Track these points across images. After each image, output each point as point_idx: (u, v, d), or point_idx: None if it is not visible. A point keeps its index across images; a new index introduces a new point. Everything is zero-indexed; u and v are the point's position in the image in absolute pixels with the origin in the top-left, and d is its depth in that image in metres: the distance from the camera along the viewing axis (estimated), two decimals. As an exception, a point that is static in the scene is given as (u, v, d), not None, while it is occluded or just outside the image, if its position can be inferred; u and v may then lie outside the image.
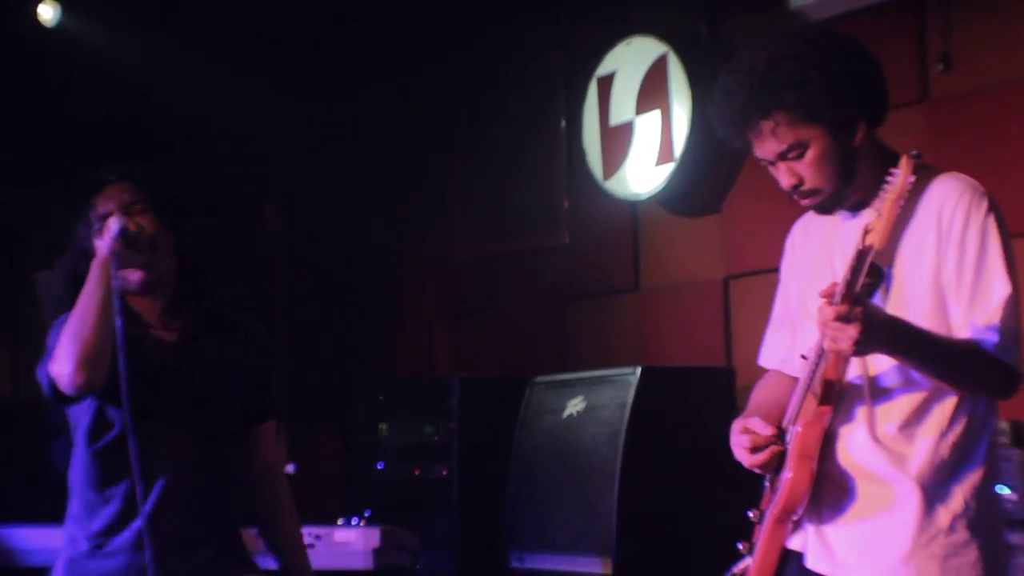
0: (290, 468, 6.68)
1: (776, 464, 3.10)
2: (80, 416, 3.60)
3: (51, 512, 4.02)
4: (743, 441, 3.11)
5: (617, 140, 6.34)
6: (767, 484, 3.18)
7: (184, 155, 7.70)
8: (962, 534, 3.00)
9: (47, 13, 6.82)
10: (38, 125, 7.22)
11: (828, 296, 2.88)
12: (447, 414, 6.24)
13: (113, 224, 3.49)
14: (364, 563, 5.47)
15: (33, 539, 5.51)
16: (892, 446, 3.03)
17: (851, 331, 2.83)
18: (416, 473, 6.37)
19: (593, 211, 6.59)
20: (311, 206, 8.00)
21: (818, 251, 3.21)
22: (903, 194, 2.82)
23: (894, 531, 3.01)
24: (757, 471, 3.15)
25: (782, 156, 3.04)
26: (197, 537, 3.60)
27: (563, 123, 6.76)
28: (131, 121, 7.44)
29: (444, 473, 6.22)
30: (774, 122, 3.00)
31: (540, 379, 5.88)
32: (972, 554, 3.01)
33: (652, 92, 6.17)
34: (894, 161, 2.91)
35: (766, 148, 3.06)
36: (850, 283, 2.85)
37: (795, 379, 3.18)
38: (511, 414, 5.87)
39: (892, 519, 3.02)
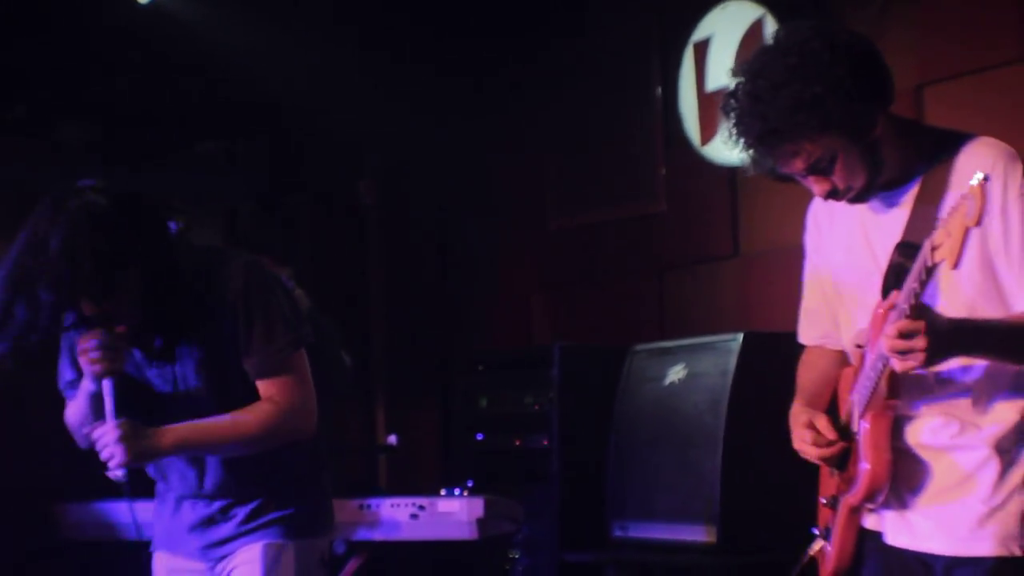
0: (392, 439, 6.71)
1: (840, 458, 3.14)
2: None
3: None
4: (807, 437, 3.16)
5: (714, 105, 6.27)
6: (831, 471, 3.21)
7: (277, 132, 7.75)
8: None
9: (142, -9, 6.85)
10: (134, 105, 7.27)
11: (888, 308, 2.92)
12: (547, 384, 6.22)
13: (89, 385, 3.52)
14: (469, 533, 5.48)
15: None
16: (965, 419, 3.05)
17: (920, 346, 2.83)
18: (516, 444, 6.35)
19: (691, 178, 6.53)
20: (405, 180, 8.01)
21: (850, 233, 3.19)
22: (975, 222, 2.75)
23: (970, 497, 3.04)
24: (817, 462, 3.20)
25: (810, 170, 3.03)
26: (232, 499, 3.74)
27: (659, 90, 6.70)
28: (224, 99, 7.48)
29: (544, 443, 6.19)
30: (794, 145, 2.98)
31: (640, 347, 5.85)
32: None
33: (749, 55, 6.07)
34: (915, 129, 3.00)
35: (792, 166, 3.05)
36: (917, 294, 2.85)
37: (837, 352, 3.27)
38: (611, 383, 5.84)
39: (967, 486, 3.04)
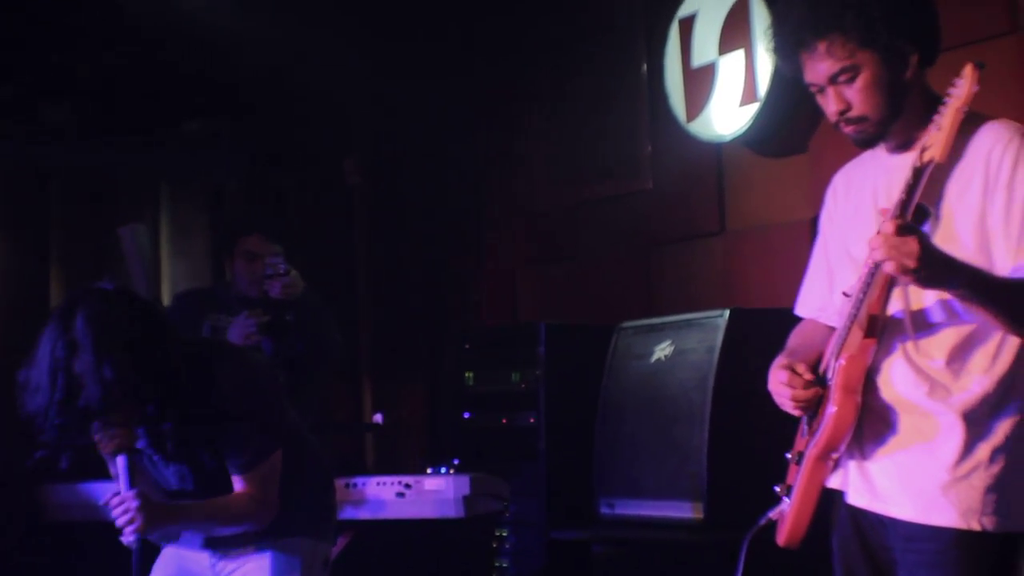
0: (377, 418, 6.71)
1: (814, 406, 3.11)
2: None
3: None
4: (782, 377, 3.13)
5: (700, 82, 6.26)
6: (804, 426, 3.20)
7: (262, 110, 7.72)
8: (1002, 468, 3.01)
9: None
10: (120, 77, 7.23)
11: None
12: (534, 362, 6.21)
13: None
14: (455, 511, 5.48)
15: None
16: (937, 379, 3.03)
17: (911, 245, 2.81)
18: (503, 421, 6.35)
19: (677, 154, 6.51)
20: (391, 158, 7.99)
21: (859, 194, 3.21)
22: (967, 103, 2.80)
23: (934, 461, 3.03)
24: (790, 409, 3.17)
25: (833, 79, 3.04)
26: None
27: (644, 67, 6.68)
28: (210, 74, 7.44)
29: (531, 421, 6.19)
30: (829, 42, 3.01)
31: (627, 324, 5.83)
32: (1013, 488, 3.01)
33: (734, 32, 6.09)
34: (940, 103, 2.91)
35: (818, 70, 3.06)
36: (904, 203, 2.85)
37: (830, 328, 3.21)
38: (598, 360, 5.82)
39: (933, 450, 3.03)
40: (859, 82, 3.03)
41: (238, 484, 3.92)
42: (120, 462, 3.78)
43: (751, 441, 5.18)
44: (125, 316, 3.70)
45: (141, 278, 5.28)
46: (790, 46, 3.09)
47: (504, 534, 6.16)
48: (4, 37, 6.91)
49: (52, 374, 3.62)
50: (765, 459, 5.15)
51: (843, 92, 3.04)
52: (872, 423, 3.09)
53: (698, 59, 6.27)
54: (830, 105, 3.08)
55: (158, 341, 3.75)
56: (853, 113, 3.06)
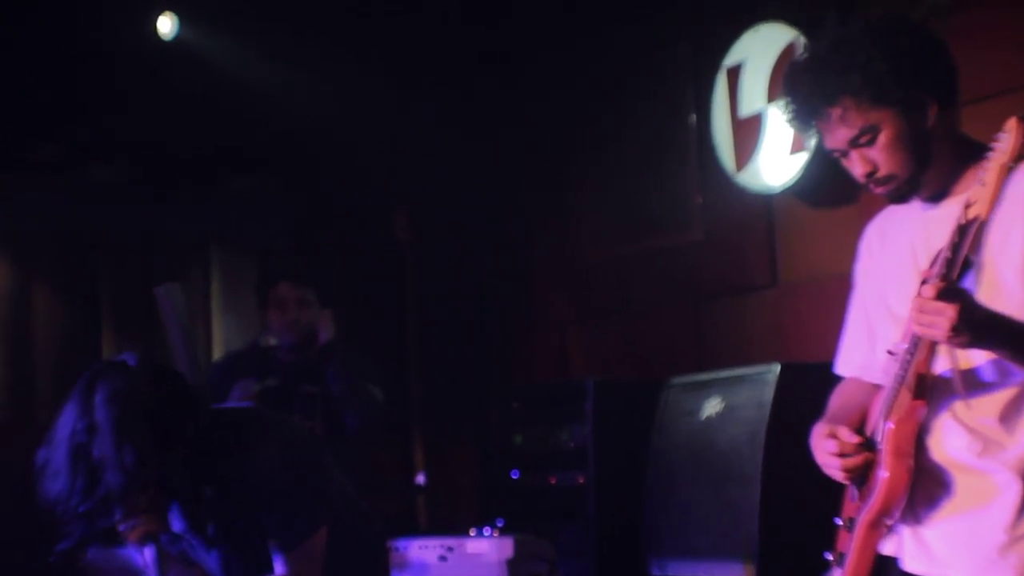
0: (420, 479, 6.63)
1: (862, 472, 3.00)
2: None
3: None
4: (829, 447, 3.03)
5: (748, 132, 6.16)
6: (853, 490, 3.09)
7: (311, 166, 7.69)
8: None
9: (165, 26, 6.81)
10: (160, 141, 7.23)
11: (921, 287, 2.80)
12: (582, 419, 6.11)
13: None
14: (499, 575, 5.40)
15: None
16: (990, 436, 2.93)
17: (949, 312, 2.72)
18: (552, 481, 6.25)
19: (727, 206, 6.41)
20: (440, 212, 7.94)
21: (897, 248, 3.11)
22: (1013, 158, 2.71)
23: (991, 522, 2.92)
24: (841, 478, 3.07)
25: (853, 143, 2.96)
26: None
27: (692, 117, 6.59)
28: (255, 133, 7.43)
29: (580, 481, 6.08)
30: (842, 107, 2.93)
31: (676, 380, 5.75)
32: None
33: (782, 80, 5.97)
34: (973, 148, 2.86)
35: (836, 137, 2.98)
36: (951, 261, 2.76)
37: (874, 386, 3.12)
38: (647, 418, 5.73)
39: (989, 510, 2.92)
40: (881, 140, 2.95)
41: (279, 565, 3.73)
42: (148, 553, 3.67)
43: (804, 500, 5.03)
44: (148, 393, 3.47)
45: (179, 339, 5.19)
46: (804, 118, 3.02)
47: (554, 597, 6.07)
48: (52, 97, 6.92)
49: (72, 459, 3.38)
50: (818, 519, 5.02)
51: (867, 154, 2.97)
52: (925, 486, 2.99)
53: (746, 109, 6.17)
54: (856, 168, 3.01)
55: (186, 416, 3.54)
56: (881, 173, 2.98)
